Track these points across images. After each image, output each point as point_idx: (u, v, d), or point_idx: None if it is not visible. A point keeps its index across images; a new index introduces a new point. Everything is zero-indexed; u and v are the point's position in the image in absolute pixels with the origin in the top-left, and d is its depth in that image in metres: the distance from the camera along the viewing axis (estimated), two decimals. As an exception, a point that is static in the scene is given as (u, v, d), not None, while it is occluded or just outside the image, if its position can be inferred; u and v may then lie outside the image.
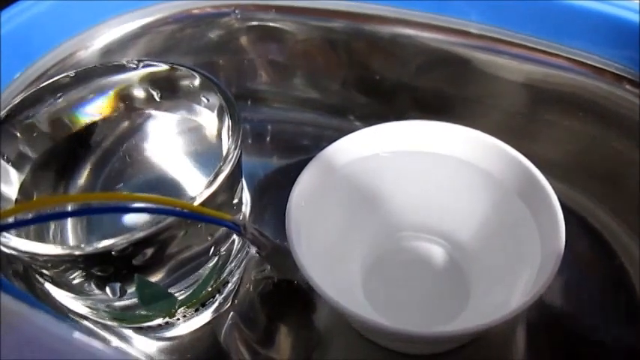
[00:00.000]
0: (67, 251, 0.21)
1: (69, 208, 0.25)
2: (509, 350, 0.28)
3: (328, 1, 0.36)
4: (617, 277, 0.30)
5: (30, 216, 0.21)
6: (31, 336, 0.15)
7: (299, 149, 0.38)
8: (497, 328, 0.27)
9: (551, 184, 0.26)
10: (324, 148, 0.29)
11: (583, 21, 0.31)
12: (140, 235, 0.21)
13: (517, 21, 0.32)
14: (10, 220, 0.19)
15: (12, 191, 0.26)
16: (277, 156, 0.38)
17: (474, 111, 0.35)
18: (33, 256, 0.22)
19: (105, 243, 0.21)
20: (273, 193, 0.34)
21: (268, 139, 0.39)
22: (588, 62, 0.31)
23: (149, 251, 0.22)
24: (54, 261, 0.23)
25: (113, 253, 0.21)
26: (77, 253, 0.21)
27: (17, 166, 0.26)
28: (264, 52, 0.39)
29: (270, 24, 0.37)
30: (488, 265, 0.28)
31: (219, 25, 0.38)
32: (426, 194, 0.30)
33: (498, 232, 0.28)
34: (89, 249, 0.21)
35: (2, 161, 0.26)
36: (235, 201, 0.26)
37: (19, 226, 0.20)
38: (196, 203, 0.22)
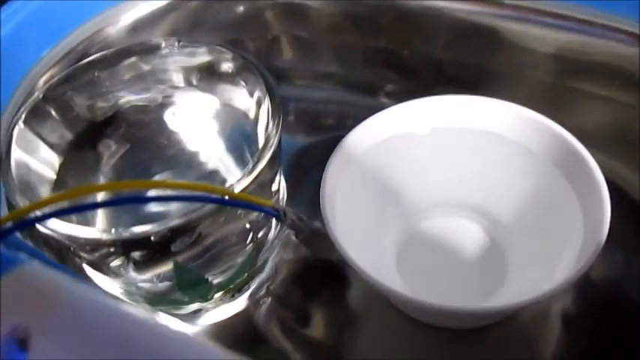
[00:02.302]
0: (106, 235, 0.20)
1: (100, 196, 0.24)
2: (545, 330, 0.27)
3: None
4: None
5: (66, 205, 0.19)
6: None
7: (325, 127, 0.37)
8: (533, 307, 0.26)
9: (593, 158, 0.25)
10: (350, 125, 0.27)
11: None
12: (179, 221, 0.20)
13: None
14: (47, 210, 0.18)
15: (50, 172, 0.25)
16: (303, 134, 0.36)
17: (508, 84, 0.33)
18: (72, 238, 0.21)
19: (144, 228, 0.20)
20: (300, 172, 0.32)
21: (293, 117, 0.37)
22: (625, 28, 0.29)
23: (188, 237, 0.21)
24: (92, 244, 0.21)
25: (152, 238, 0.20)
26: (116, 237, 0.20)
27: (54, 147, 0.25)
28: (290, 28, 0.37)
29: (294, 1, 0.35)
30: (527, 242, 0.27)
31: (245, 0, 0.35)
32: (462, 170, 0.28)
33: (538, 208, 0.27)
34: (128, 234, 0.20)
35: (40, 142, 0.24)
36: (274, 187, 0.25)
37: (54, 216, 0.19)
38: (237, 190, 0.21)
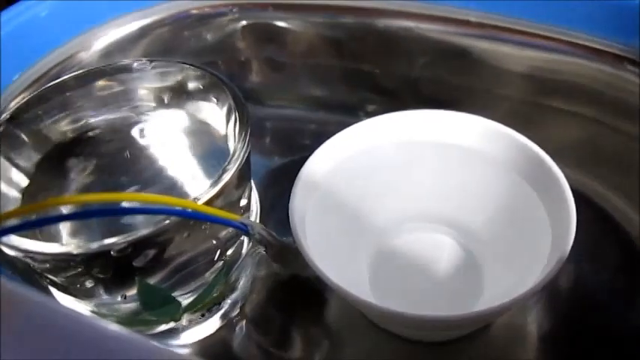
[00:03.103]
0: (64, 250, 0.20)
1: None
2: (520, 342, 0.26)
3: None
4: (630, 261, 0.28)
5: (32, 218, 0.18)
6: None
7: (301, 147, 0.36)
8: (508, 316, 0.26)
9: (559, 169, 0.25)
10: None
11: (582, 3, 0.29)
12: (140, 234, 0.19)
13: (516, 6, 0.31)
14: (10, 223, 0.17)
15: (17, 194, 0.24)
16: (279, 154, 0.36)
17: (479, 101, 0.33)
18: (31, 255, 0.20)
19: (103, 242, 0.19)
20: (276, 192, 0.32)
21: (269, 138, 0.37)
22: (588, 44, 0.30)
23: (150, 252, 0.20)
24: (52, 260, 0.21)
25: (112, 253, 0.19)
26: (75, 252, 0.19)
27: (22, 168, 0.25)
28: (263, 50, 0.37)
29: (268, 21, 0.35)
30: (500, 252, 0.26)
31: (218, 24, 0.36)
32: (433, 184, 0.28)
33: (509, 219, 0.26)
34: (87, 248, 0.19)
35: (8, 164, 0.24)
36: (243, 202, 0.24)
37: (16, 231, 0.18)
38: (200, 202, 0.20)
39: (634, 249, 0.28)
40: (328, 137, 0.27)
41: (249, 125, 0.23)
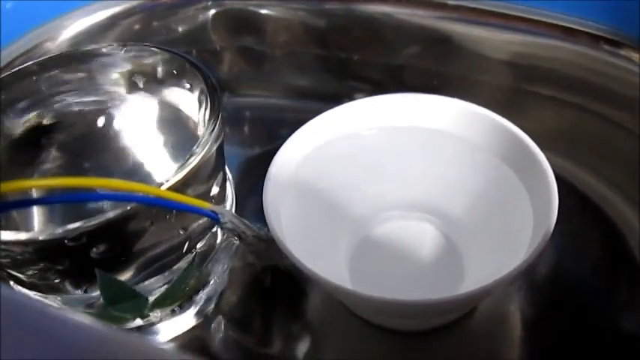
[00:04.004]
0: (13, 237, 0.18)
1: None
2: (503, 330, 0.25)
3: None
4: (612, 248, 0.27)
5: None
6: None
7: (280, 136, 0.35)
8: (491, 305, 0.25)
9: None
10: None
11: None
12: (94, 222, 0.17)
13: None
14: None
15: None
16: (258, 144, 0.35)
17: (462, 87, 0.32)
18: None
19: (57, 230, 0.17)
20: (253, 182, 0.30)
21: (248, 128, 0.36)
22: (565, 25, 0.29)
23: (109, 242, 0.19)
24: (3, 250, 0.19)
25: (66, 242, 0.17)
26: (24, 238, 0.18)
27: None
28: (238, 39, 0.35)
29: (243, 8, 0.34)
30: (482, 238, 0.25)
31: (191, 12, 0.34)
32: (413, 170, 0.27)
33: (490, 204, 0.25)
34: (40, 236, 0.18)
35: None
36: (215, 191, 0.23)
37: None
38: (164, 188, 0.18)
39: (617, 235, 0.27)
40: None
41: (220, 109, 0.22)
